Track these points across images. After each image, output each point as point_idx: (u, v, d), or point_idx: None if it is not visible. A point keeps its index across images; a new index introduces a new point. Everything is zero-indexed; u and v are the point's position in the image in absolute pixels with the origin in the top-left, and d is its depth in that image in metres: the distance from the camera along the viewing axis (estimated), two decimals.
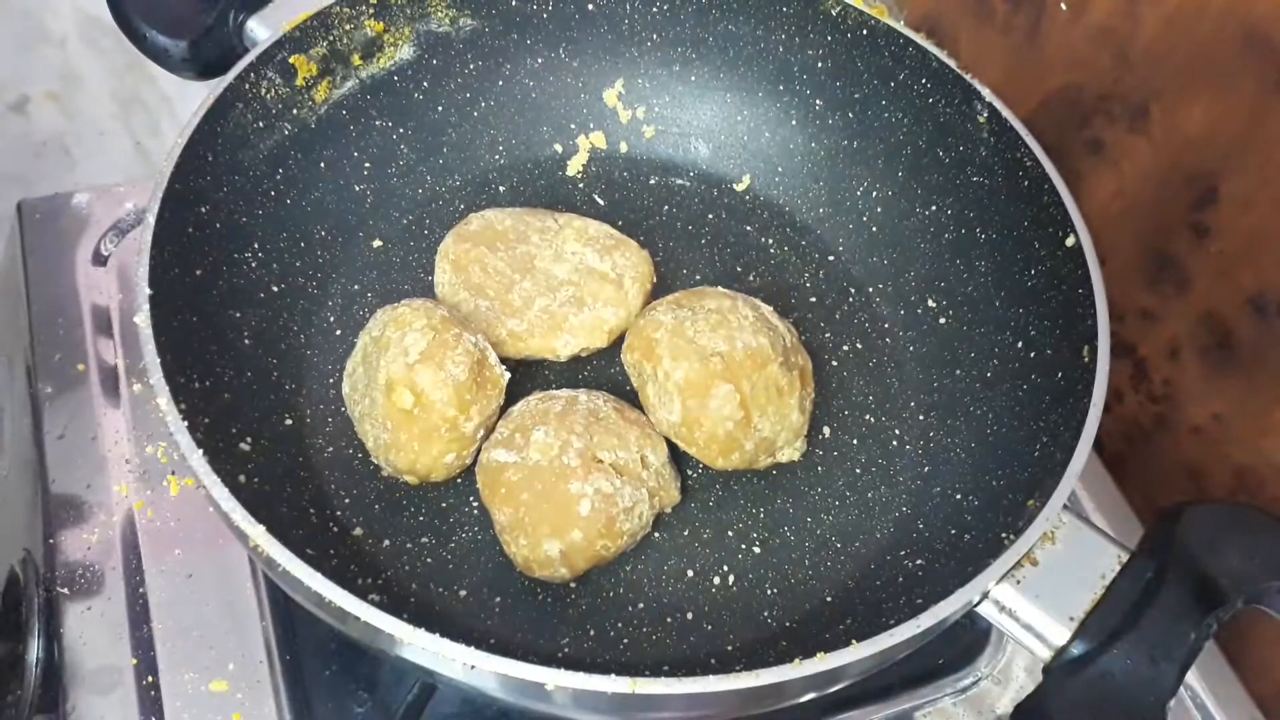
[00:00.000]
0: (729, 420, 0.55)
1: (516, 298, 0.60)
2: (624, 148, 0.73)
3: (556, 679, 0.40)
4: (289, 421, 0.57)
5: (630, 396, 0.59)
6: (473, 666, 0.41)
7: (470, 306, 0.60)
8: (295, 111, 0.62)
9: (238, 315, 0.57)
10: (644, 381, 0.58)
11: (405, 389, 0.52)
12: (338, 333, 0.62)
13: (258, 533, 0.43)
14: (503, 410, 0.56)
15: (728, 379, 0.54)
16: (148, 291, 0.49)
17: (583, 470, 0.52)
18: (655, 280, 0.64)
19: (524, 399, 0.56)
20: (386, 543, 0.55)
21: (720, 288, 0.60)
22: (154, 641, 0.57)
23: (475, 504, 0.56)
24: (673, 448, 0.57)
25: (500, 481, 0.52)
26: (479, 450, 0.55)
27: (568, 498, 0.51)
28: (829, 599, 0.56)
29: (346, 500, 0.56)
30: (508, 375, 0.56)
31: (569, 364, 0.62)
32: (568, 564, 0.52)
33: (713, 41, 0.71)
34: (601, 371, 0.62)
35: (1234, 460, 0.65)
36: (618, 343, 0.61)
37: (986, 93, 0.62)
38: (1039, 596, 0.46)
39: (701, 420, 0.55)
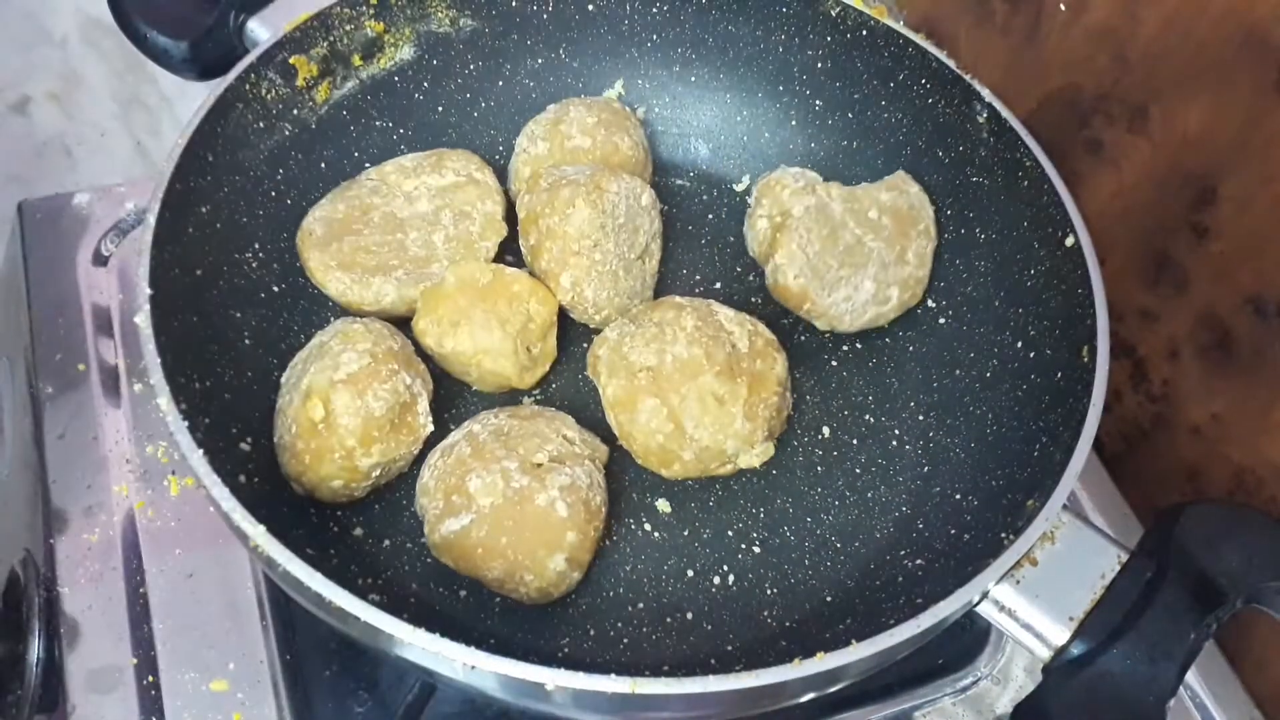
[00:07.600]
0: (658, 433, 0.55)
1: (415, 249, 0.60)
2: None
3: (556, 679, 0.41)
4: None
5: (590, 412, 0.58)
6: (473, 666, 0.41)
7: (391, 289, 0.59)
8: (296, 112, 0.62)
9: (238, 315, 0.57)
10: (600, 397, 0.58)
11: (319, 402, 0.51)
12: None
13: (258, 533, 0.43)
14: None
15: (653, 393, 0.55)
16: (148, 291, 0.49)
17: (536, 482, 0.51)
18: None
19: (424, 466, 0.54)
20: (386, 543, 0.55)
21: (677, 296, 0.59)
22: (154, 641, 0.57)
23: None
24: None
25: (470, 545, 0.51)
26: (374, 486, 0.54)
27: (544, 512, 0.51)
28: (829, 599, 0.56)
29: None
30: (430, 428, 0.55)
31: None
32: (576, 567, 0.52)
33: (712, 42, 0.71)
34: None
35: (1233, 460, 0.65)
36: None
37: (986, 93, 0.62)
38: (1038, 596, 0.46)
39: (634, 434, 0.56)
